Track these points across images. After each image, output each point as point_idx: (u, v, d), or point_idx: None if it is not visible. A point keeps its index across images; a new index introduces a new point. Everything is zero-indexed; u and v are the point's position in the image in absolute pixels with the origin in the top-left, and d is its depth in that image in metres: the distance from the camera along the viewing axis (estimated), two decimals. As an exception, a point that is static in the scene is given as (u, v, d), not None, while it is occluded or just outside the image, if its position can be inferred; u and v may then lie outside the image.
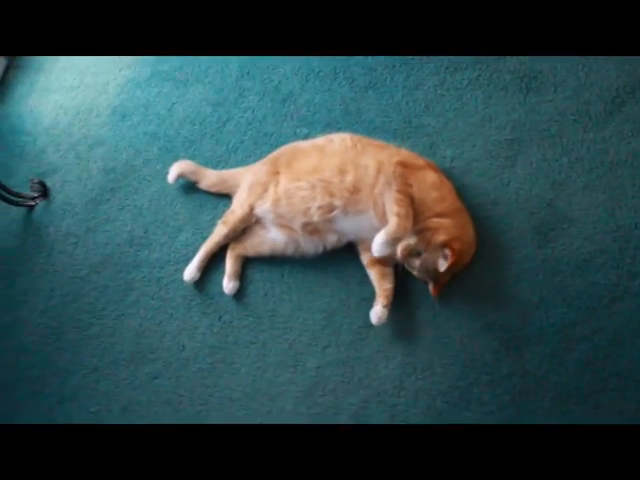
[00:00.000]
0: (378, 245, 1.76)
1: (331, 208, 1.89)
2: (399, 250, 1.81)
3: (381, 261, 1.90)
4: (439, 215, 1.82)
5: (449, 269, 1.77)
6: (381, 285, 1.91)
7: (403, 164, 1.86)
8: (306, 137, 2.14)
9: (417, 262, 1.82)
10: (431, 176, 1.88)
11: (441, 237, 1.78)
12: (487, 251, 1.93)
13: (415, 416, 1.83)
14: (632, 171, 1.95)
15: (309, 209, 1.91)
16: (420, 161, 1.93)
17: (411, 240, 1.81)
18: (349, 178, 1.88)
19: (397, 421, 1.83)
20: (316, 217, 1.91)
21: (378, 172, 1.86)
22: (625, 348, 1.78)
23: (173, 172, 2.18)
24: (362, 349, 1.92)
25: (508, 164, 2.03)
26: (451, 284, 1.90)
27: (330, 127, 2.17)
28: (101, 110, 2.43)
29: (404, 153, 1.95)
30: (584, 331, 1.81)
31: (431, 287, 1.87)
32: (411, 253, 1.82)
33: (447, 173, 1.98)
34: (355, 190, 1.87)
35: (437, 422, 1.81)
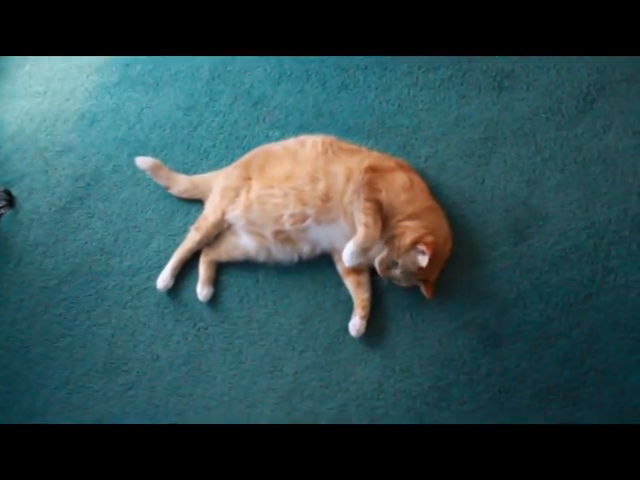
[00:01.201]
0: (348, 256, 1.78)
1: (304, 217, 1.89)
2: (378, 269, 1.84)
3: (356, 270, 1.92)
4: (409, 217, 1.83)
5: (432, 264, 1.77)
6: (358, 295, 1.92)
7: (372, 168, 1.87)
8: (279, 140, 2.13)
9: (398, 272, 1.83)
10: (401, 178, 1.88)
11: (408, 238, 1.78)
12: (463, 250, 1.94)
13: (395, 418, 1.84)
14: (604, 167, 1.98)
15: (281, 217, 1.91)
16: (391, 162, 1.94)
17: (382, 254, 1.83)
18: (320, 186, 1.88)
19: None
20: (287, 225, 1.91)
21: (347, 180, 1.86)
22: (602, 343, 1.81)
23: (145, 161, 2.16)
24: (340, 352, 1.92)
25: (482, 162, 2.05)
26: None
27: (303, 129, 2.17)
28: (69, 116, 2.39)
29: (375, 155, 1.96)
30: (562, 327, 1.84)
31: (424, 290, 1.87)
32: (389, 266, 1.83)
33: (421, 173, 2.00)
34: (326, 199, 1.87)
35: (418, 423, 1.82)
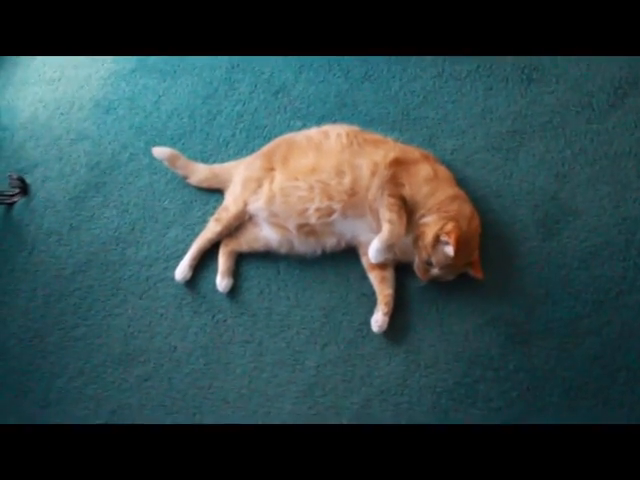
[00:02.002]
0: (374, 252, 1.79)
1: (330, 211, 1.87)
2: (419, 276, 1.85)
3: (380, 265, 1.89)
4: (430, 210, 1.81)
5: (464, 246, 1.75)
6: (381, 290, 1.90)
7: (397, 161, 1.85)
8: (300, 130, 2.10)
9: (437, 270, 1.81)
10: (424, 170, 1.86)
11: (430, 235, 1.76)
12: (491, 244, 1.92)
13: (420, 415, 1.81)
14: (636, 162, 1.96)
15: (306, 210, 1.88)
16: (416, 154, 1.92)
17: (415, 260, 1.83)
18: (346, 180, 1.86)
19: (401, 420, 1.82)
20: (313, 219, 1.88)
21: (373, 174, 1.84)
22: (633, 341, 1.79)
23: (162, 151, 2.13)
24: (363, 346, 1.90)
25: (510, 156, 2.03)
26: (454, 279, 1.88)
27: (325, 119, 2.15)
28: (83, 103, 2.37)
29: (400, 147, 1.93)
30: (591, 325, 1.82)
31: (473, 274, 1.84)
32: (426, 269, 1.82)
33: (447, 165, 1.97)
34: (352, 193, 1.85)
35: (443, 421, 1.80)
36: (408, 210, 1.82)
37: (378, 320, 1.86)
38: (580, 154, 2.00)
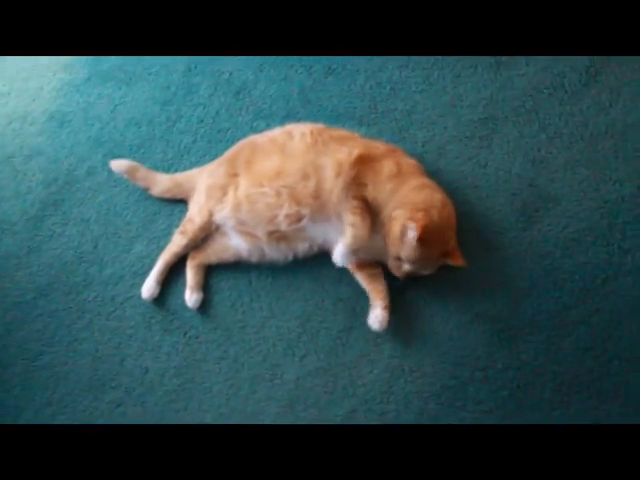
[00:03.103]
0: (338, 257, 1.74)
1: (299, 217, 1.80)
2: (397, 275, 1.78)
3: (365, 264, 1.83)
4: (395, 207, 1.73)
5: (437, 234, 1.68)
6: (374, 287, 1.82)
7: (361, 159, 1.77)
8: (264, 131, 2.01)
9: (410, 266, 1.72)
10: (387, 166, 1.78)
11: (396, 229, 1.69)
12: (469, 238, 1.86)
13: (407, 422, 1.74)
14: (613, 142, 1.92)
15: (275, 217, 1.81)
16: (381, 149, 1.83)
17: (389, 261, 1.77)
18: (311, 183, 1.78)
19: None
20: (284, 226, 1.81)
21: (337, 175, 1.76)
22: (624, 329, 1.74)
23: (121, 164, 2.05)
24: (343, 355, 1.83)
25: (484, 144, 1.98)
26: (434, 277, 1.81)
27: (289, 118, 2.08)
28: (36, 117, 2.27)
29: (365, 143, 1.85)
30: (580, 315, 1.77)
31: (452, 262, 1.75)
32: (399, 266, 1.74)
33: (419, 158, 1.90)
34: (317, 196, 1.78)
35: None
36: (373, 210, 1.75)
37: (378, 315, 1.77)
38: (555, 138, 1.95)
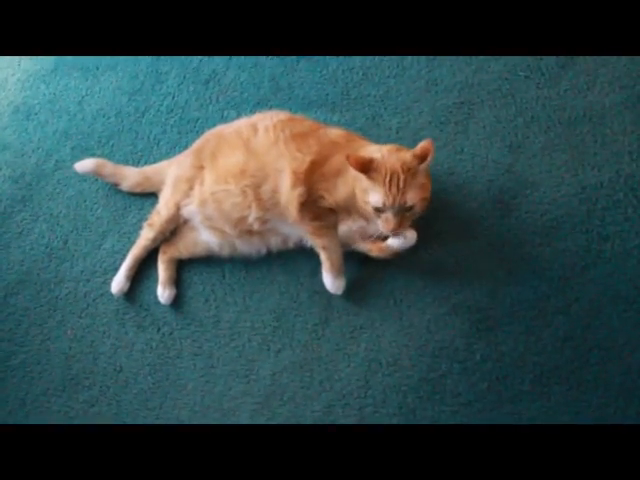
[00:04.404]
0: (332, 287, 1.71)
1: (265, 220, 1.71)
2: (388, 233, 1.58)
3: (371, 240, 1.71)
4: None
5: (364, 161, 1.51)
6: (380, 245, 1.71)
7: (312, 168, 1.63)
8: (235, 120, 1.88)
9: (389, 214, 1.53)
10: (335, 162, 1.63)
11: (356, 192, 1.57)
12: (445, 227, 1.78)
13: (386, 417, 1.66)
14: (592, 126, 1.82)
15: (245, 218, 1.71)
16: (334, 148, 1.66)
17: (371, 230, 1.65)
18: (269, 187, 1.66)
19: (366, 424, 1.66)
20: (255, 226, 1.72)
21: (292, 185, 1.63)
22: (604, 318, 1.65)
23: (85, 164, 1.94)
24: (319, 349, 1.75)
25: (459, 130, 1.89)
26: (410, 267, 1.73)
27: (261, 106, 1.98)
28: (1, 110, 2.16)
29: (321, 142, 1.67)
30: (559, 304, 1.68)
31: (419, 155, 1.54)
32: (387, 217, 1.54)
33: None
34: (276, 203, 1.67)
35: (410, 421, 1.64)
36: (341, 208, 1.65)
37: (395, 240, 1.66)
38: (533, 122, 1.86)
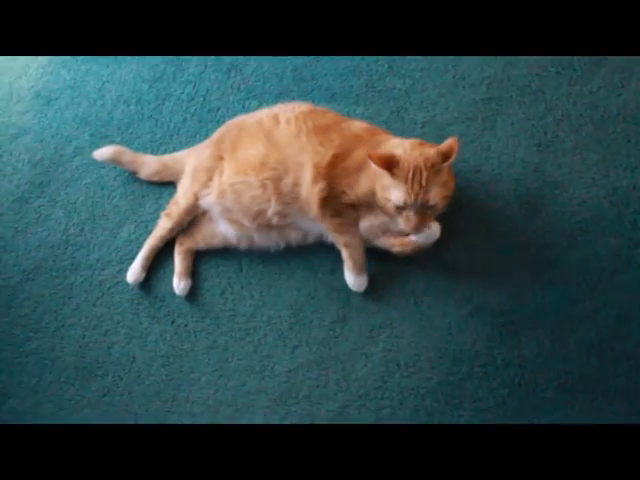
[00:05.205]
0: (354, 284, 1.66)
1: (285, 214, 1.65)
2: (410, 231, 1.51)
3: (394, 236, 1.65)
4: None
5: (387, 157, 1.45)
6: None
7: (334, 161, 1.57)
8: (256, 110, 1.83)
9: (410, 213, 1.46)
10: (358, 157, 1.57)
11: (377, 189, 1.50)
12: (470, 225, 1.72)
13: (402, 419, 1.62)
14: (625, 126, 1.75)
15: (264, 211, 1.65)
16: (356, 142, 1.60)
17: (391, 225, 1.59)
18: (290, 180, 1.60)
19: (382, 426, 1.61)
20: (274, 221, 1.66)
21: (313, 180, 1.57)
22: (632, 325, 1.60)
23: (104, 152, 1.88)
24: (337, 347, 1.70)
25: (487, 126, 1.81)
26: (432, 266, 1.67)
27: (282, 97, 1.90)
28: (22, 95, 2.09)
29: (344, 135, 1.61)
30: (586, 309, 1.63)
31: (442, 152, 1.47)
32: (408, 215, 1.47)
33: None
34: (296, 197, 1.61)
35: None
36: (363, 203, 1.58)
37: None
38: (563, 120, 1.79)
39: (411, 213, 1.45)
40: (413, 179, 1.41)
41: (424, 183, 1.42)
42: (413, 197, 1.42)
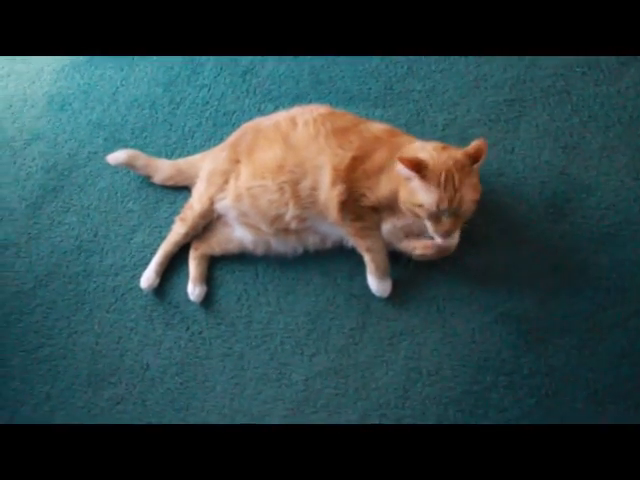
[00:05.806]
0: (377, 289, 1.61)
1: (303, 218, 1.60)
2: (439, 238, 1.46)
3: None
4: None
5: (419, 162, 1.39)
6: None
7: (354, 164, 1.52)
8: (272, 114, 1.80)
9: (445, 219, 1.41)
10: (379, 158, 1.52)
11: (404, 193, 1.44)
12: (495, 230, 1.67)
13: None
14: None
15: (281, 216, 1.60)
16: (376, 143, 1.56)
17: (418, 226, 1.52)
18: (308, 184, 1.56)
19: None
20: (292, 225, 1.62)
21: (332, 183, 1.53)
22: (665, 333, 1.53)
23: (118, 156, 1.84)
24: (356, 355, 1.64)
25: (510, 128, 1.77)
26: (455, 272, 1.61)
27: (299, 100, 1.85)
28: (36, 100, 2.06)
29: (363, 137, 1.57)
30: (616, 316, 1.57)
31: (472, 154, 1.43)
32: (440, 220, 1.42)
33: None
34: (314, 201, 1.57)
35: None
36: (384, 206, 1.53)
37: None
38: (590, 121, 1.74)
39: (444, 217, 1.40)
40: (446, 183, 1.36)
41: (457, 186, 1.37)
42: (447, 201, 1.37)
